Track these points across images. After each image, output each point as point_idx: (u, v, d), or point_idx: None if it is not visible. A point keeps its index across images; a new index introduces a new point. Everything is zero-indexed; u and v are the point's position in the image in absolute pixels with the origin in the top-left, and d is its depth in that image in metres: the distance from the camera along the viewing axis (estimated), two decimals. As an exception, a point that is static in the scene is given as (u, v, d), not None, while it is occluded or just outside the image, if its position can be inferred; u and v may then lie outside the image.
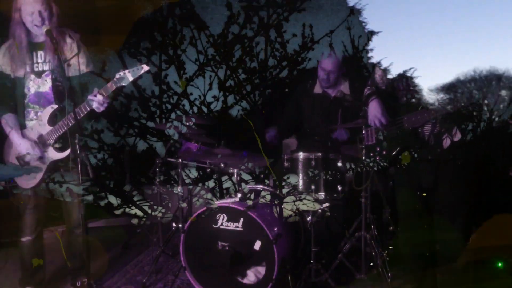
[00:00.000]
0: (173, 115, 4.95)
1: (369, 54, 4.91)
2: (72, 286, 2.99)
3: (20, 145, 2.73)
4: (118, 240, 4.02)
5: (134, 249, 3.91)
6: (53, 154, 2.74)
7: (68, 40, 2.77)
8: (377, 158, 2.75)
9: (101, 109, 2.63)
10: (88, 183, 2.62)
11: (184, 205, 3.24)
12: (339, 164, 3.14)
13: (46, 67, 2.77)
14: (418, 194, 2.70)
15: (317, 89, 3.70)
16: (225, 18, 4.79)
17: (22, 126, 2.79)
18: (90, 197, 4.49)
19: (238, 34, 4.82)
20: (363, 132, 2.97)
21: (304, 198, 3.11)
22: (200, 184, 3.38)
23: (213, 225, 2.93)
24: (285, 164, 3.22)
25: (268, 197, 3.23)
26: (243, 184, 3.30)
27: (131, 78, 2.54)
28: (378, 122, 2.69)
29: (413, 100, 2.84)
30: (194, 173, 4.81)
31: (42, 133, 2.74)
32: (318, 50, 4.79)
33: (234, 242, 2.88)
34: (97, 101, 2.58)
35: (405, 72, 3.83)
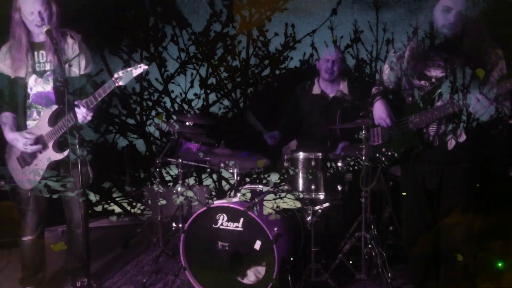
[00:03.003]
0: (153, 113, 4.95)
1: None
2: (72, 286, 2.99)
3: (10, 137, 2.72)
4: (118, 240, 4.00)
5: (134, 249, 3.89)
6: (52, 155, 2.74)
7: (69, 40, 2.75)
8: (382, 159, 2.74)
9: (85, 121, 2.62)
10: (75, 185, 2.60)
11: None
12: (339, 164, 3.14)
13: (48, 67, 2.75)
14: (422, 195, 2.67)
15: (316, 90, 3.71)
16: (208, 15, 4.78)
17: (22, 126, 2.76)
18: (70, 194, 4.46)
19: (220, 32, 4.81)
20: (363, 132, 2.97)
21: (285, 196, 3.12)
22: (180, 182, 3.33)
23: (213, 225, 2.94)
24: (285, 164, 3.22)
25: (248, 195, 3.20)
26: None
27: (130, 77, 2.51)
28: (383, 123, 2.67)
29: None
30: (174, 171, 4.76)
31: (42, 133, 2.73)
32: (300, 49, 4.82)
33: (234, 242, 2.89)
34: (80, 113, 2.57)
35: None
